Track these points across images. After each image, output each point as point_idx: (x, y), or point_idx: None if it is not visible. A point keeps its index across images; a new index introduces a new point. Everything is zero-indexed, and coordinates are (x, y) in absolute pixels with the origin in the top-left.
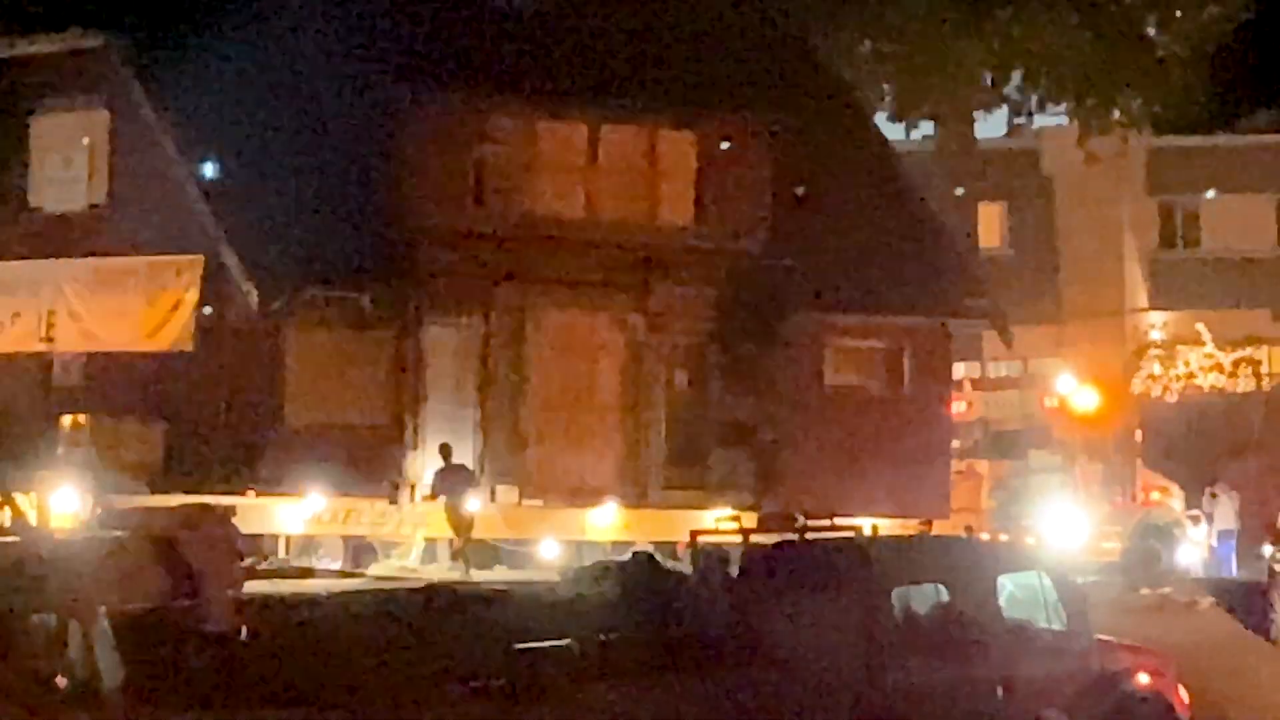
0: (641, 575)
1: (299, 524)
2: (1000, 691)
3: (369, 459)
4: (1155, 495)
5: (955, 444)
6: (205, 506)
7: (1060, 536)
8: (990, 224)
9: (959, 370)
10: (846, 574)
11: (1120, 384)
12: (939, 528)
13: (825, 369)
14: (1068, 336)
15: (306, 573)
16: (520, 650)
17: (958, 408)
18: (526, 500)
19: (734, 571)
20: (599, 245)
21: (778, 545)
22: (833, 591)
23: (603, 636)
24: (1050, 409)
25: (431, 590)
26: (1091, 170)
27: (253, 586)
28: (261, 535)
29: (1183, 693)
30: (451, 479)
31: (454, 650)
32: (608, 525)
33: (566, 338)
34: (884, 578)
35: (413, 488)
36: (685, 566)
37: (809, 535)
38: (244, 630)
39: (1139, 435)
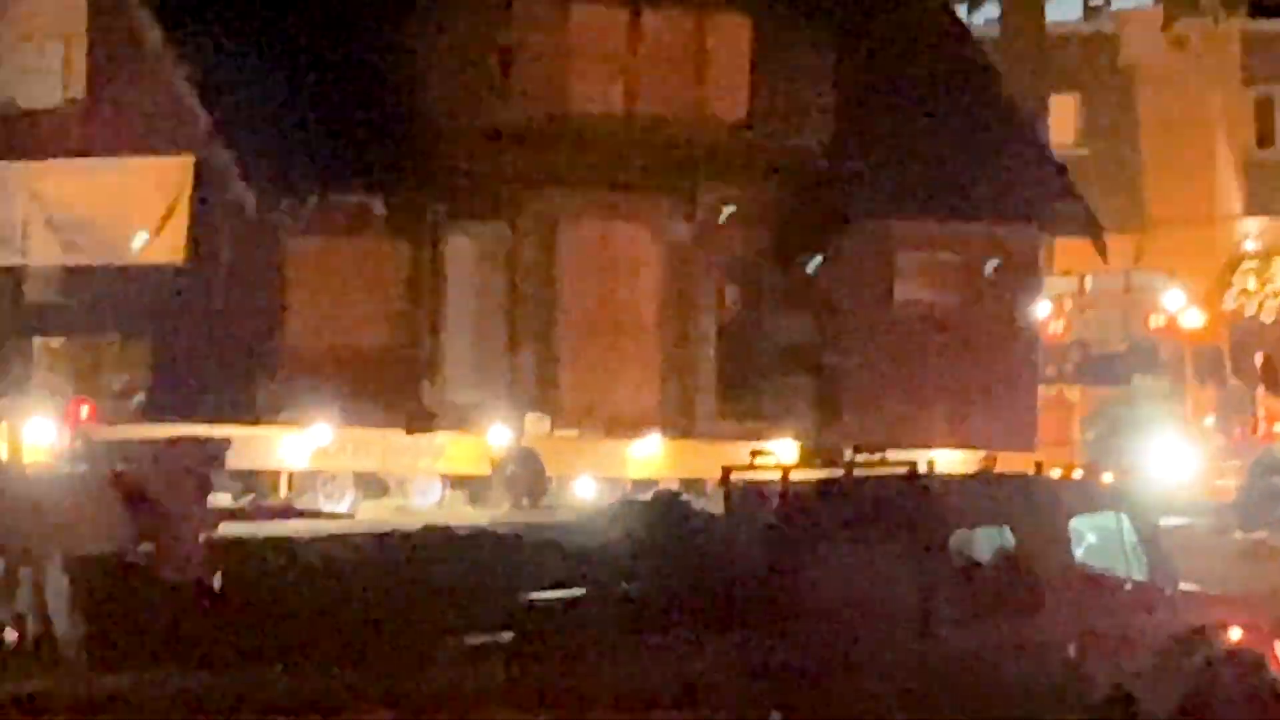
0: (664, 517)
1: (303, 458)
2: (1072, 650)
3: (382, 385)
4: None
5: (1048, 369)
6: (196, 439)
7: (1167, 473)
8: (1063, 119)
9: (1052, 285)
10: (898, 516)
11: (1211, 301)
12: (1021, 463)
13: (895, 283)
14: (1150, 247)
15: (283, 512)
16: (526, 602)
17: (1052, 328)
18: (559, 431)
19: (770, 513)
20: (640, 145)
21: (820, 483)
22: (881, 536)
23: (620, 587)
24: (1156, 329)
25: (426, 534)
26: (1178, 58)
27: (229, 529)
28: (259, 471)
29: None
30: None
31: (451, 601)
32: (650, 460)
33: (603, 249)
34: (940, 520)
35: (430, 418)
36: (716, 507)
37: (856, 472)
38: (216, 578)
39: (1260, 358)
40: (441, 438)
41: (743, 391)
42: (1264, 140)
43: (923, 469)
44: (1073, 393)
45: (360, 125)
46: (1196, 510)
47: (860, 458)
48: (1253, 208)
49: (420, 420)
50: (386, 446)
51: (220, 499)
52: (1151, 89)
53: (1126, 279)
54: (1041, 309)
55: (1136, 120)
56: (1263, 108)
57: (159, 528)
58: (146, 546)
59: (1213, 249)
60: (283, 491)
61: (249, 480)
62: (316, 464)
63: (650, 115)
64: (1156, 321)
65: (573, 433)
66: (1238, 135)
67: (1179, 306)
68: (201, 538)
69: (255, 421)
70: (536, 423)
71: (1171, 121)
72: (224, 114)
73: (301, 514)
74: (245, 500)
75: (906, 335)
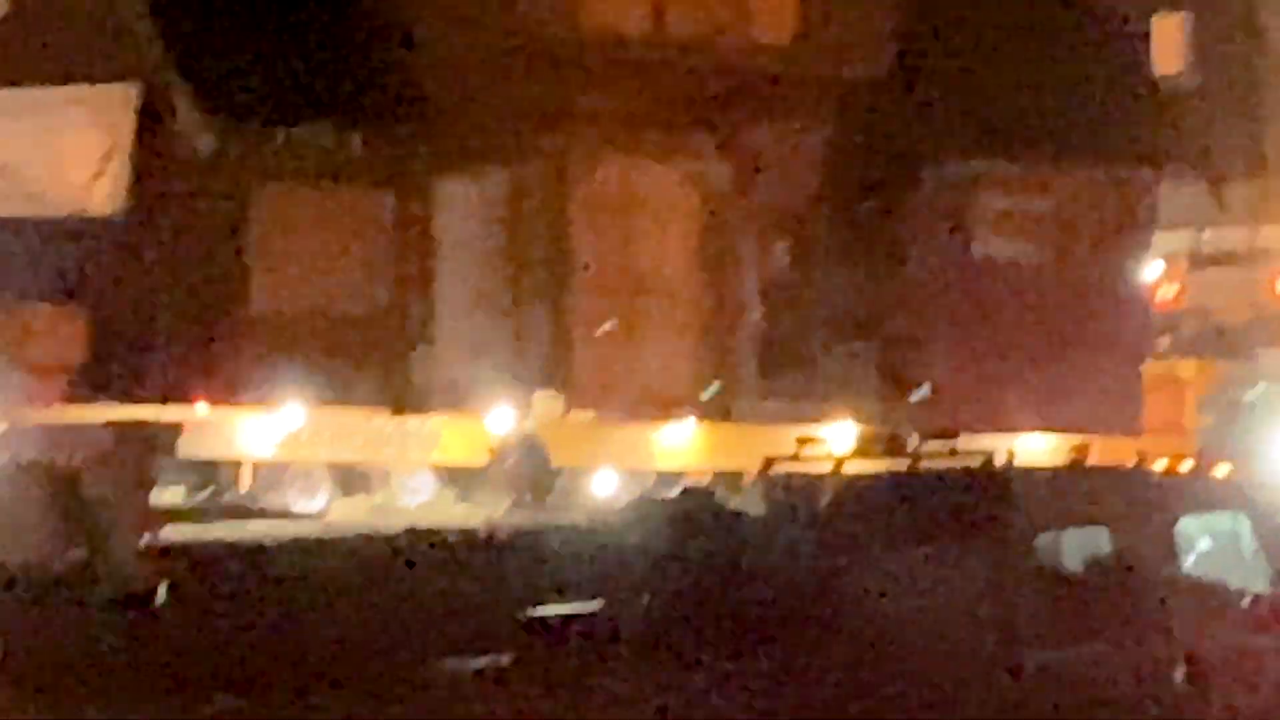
0: (693, 518)
1: (270, 446)
2: (1179, 675)
3: (363, 358)
4: None
5: (1158, 340)
6: (139, 423)
7: None
8: (1167, 43)
9: (1163, 241)
10: (973, 517)
11: None
12: (1122, 452)
13: (973, 237)
14: (1273, 193)
15: (239, 512)
16: (534, 618)
17: (1164, 292)
18: (573, 413)
19: (820, 514)
20: (669, 71)
21: (880, 478)
22: (954, 540)
23: (640, 600)
24: None
25: (410, 538)
26: None
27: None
28: (217, 462)
29: None
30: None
31: (440, 619)
32: (682, 448)
33: (625, 196)
34: (1023, 522)
35: (422, 396)
36: (755, 506)
37: (923, 464)
38: (160, 592)
39: None
40: (434, 422)
41: (792, 366)
42: None
43: (1001, 460)
44: (1186, 368)
45: (336, 48)
46: None
47: (927, 446)
48: None
49: (409, 401)
50: (369, 432)
51: (168, 495)
52: (1273, 8)
53: (1251, 235)
54: (1151, 270)
55: (1259, 46)
56: None
57: (91, 531)
58: (75, 554)
59: None
60: (244, 485)
61: (205, 472)
62: (286, 453)
63: (682, 36)
64: None
65: (589, 415)
66: None
67: None
68: (142, 543)
69: (212, 402)
70: (547, 403)
71: None
72: (174, 32)
73: (262, 514)
74: (200, 496)
75: (987, 298)
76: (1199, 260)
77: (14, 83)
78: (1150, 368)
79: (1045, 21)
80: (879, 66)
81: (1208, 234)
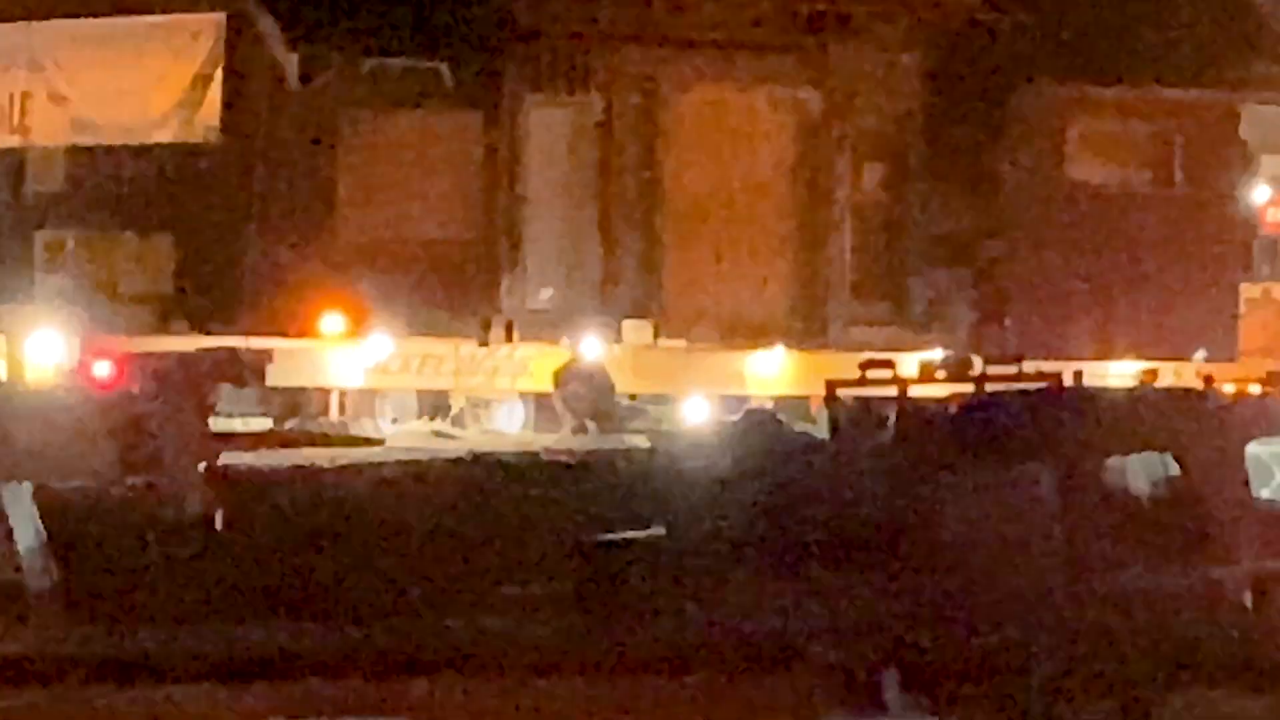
0: (758, 442)
1: (358, 374)
2: (1248, 598)
3: (451, 287)
4: None
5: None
6: (227, 350)
7: None
8: None
9: (1272, 165)
10: (1039, 440)
11: None
12: (1223, 375)
13: (1068, 161)
14: None
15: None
16: (594, 543)
17: (1272, 215)
18: (664, 340)
19: (885, 437)
20: None
21: (945, 401)
22: (1019, 464)
23: (704, 525)
24: None
25: (473, 462)
26: None
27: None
28: (307, 389)
29: None
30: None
31: (503, 544)
32: (774, 374)
33: (715, 121)
34: (1090, 445)
35: (509, 326)
36: (820, 429)
37: (989, 387)
38: (218, 516)
39: None
40: (524, 350)
41: (885, 292)
42: None
43: (1068, 383)
44: None
45: None
46: None
47: (993, 370)
48: None
49: (497, 330)
50: (458, 361)
51: (255, 423)
52: None
53: None
54: (1259, 194)
55: None
56: None
57: (153, 458)
58: (136, 479)
59: None
60: (334, 413)
61: (295, 400)
62: (374, 382)
63: None
64: None
65: (680, 343)
66: None
67: None
68: (201, 468)
69: (301, 333)
70: (637, 331)
71: None
72: None
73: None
74: (291, 424)
75: (1081, 222)
76: None
77: (104, 12)
78: (1247, 291)
79: None
80: None
81: None
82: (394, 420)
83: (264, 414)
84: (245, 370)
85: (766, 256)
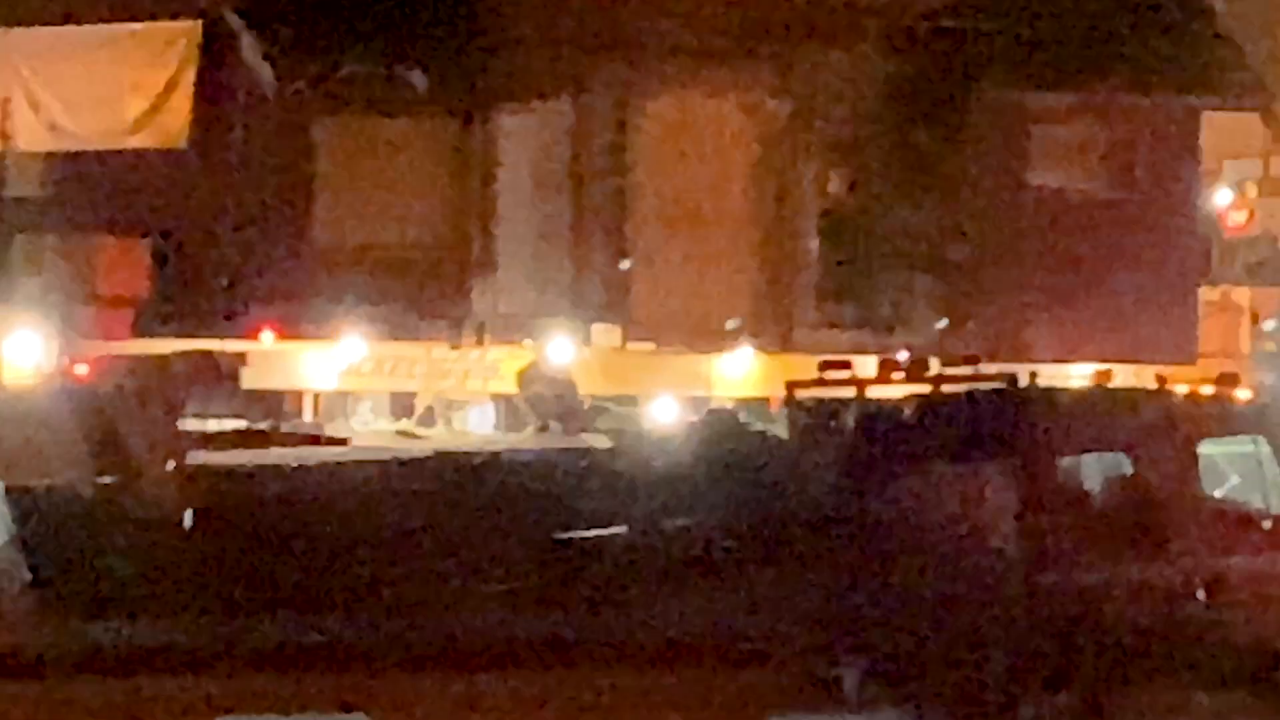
0: (719, 441)
1: (332, 377)
2: (1200, 595)
3: (424, 291)
4: None
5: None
6: (203, 353)
7: None
8: None
9: (1234, 169)
10: (995, 439)
11: None
12: (1182, 377)
13: (1030, 166)
14: None
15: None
16: (558, 541)
17: (1233, 219)
18: (633, 344)
19: (843, 435)
20: (727, 4)
21: (902, 401)
22: (974, 462)
23: (666, 523)
24: None
25: (437, 460)
26: None
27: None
28: (280, 392)
29: None
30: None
31: (466, 541)
32: (741, 376)
33: (683, 127)
34: (1044, 443)
35: (480, 329)
36: (781, 429)
37: (944, 387)
38: (187, 513)
39: None
40: (495, 353)
41: (850, 296)
42: None
43: (1023, 383)
44: (1241, 295)
45: None
46: None
47: (950, 371)
48: None
49: (469, 332)
50: (430, 364)
51: (232, 424)
52: None
53: None
54: (1221, 197)
55: None
56: None
57: (123, 457)
58: (106, 478)
59: None
60: (307, 415)
61: (268, 402)
62: (347, 384)
63: None
64: None
65: (648, 345)
66: None
67: None
68: (170, 466)
69: (275, 334)
70: (606, 334)
71: None
72: None
73: (294, 438)
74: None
75: (1042, 227)
76: (1268, 187)
77: (82, 20)
78: (1206, 294)
79: None
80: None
81: (1276, 162)
82: (365, 422)
83: (238, 416)
84: (221, 372)
85: (734, 260)
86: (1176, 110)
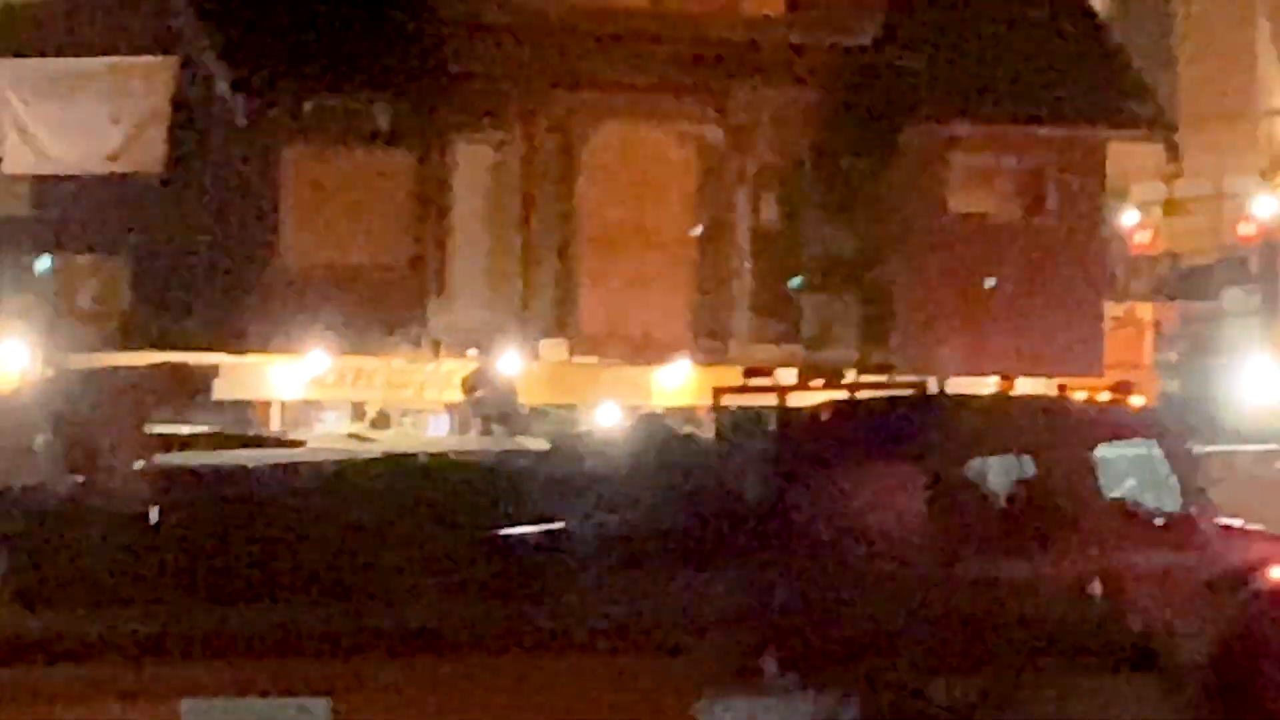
0: (649, 443)
1: (297, 387)
2: (1096, 588)
3: (384, 308)
4: None
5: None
6: (177, 365)
7: (1255, 396)
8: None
9: (1140, 192)
10: (904, 442)
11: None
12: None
13: (949, 192)
14: (1186, 144)
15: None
16: (498, 536)
17: (1139, 238)
18: (578, 357)
19: (765, 438)
20: (668, 41)
21: (820, 407)
22: (886, 464)
23: (600, 519)
24: (1245, 237)
25: (386, 461)
26: None
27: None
28: (250, 402)
29: None
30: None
31: (413, 536)
32: (678, 387)
33: (627, 156)
34: (951, 446)
35: (436, 344)
36: (707, 432)
37: (860, 394)
38: (153, 510)
39: None
40: (449, 366)
41: (781, 312)
42: None
43: (933, 390)
44: (1144, 310)
45: (359, 21)
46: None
47: (865, 378)
48: None
49: (426, 347)
50: (389, 375)
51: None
52: None
53: (1217, 184)
54: (1128, 217)
55: (1171, 9)
56: None
57: (93, 457)
58: (78, 477)
59: (1252, 148)
60: (275, 423)
61: (239, 411)
62: (313, 394)
63: (679, 8)
64: (1246, 230)
65: (592, 359)
66: None
67: (1271, 213)
68: (136, 467)
69: (245, 349)
70: (554, 349)
71: (1210, 9)
72: (211, 10)
73: (257, 441)
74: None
75: (960, 249)
76: (1171, 209)
77: (68, 53)
78: (1112, 310)
79: (1015, 2)
80: (862, 36)
81: (1178, 184)
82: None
83: (210, 423)
84: (194, 382)
85: (673, 280)
86: (1084, 140)
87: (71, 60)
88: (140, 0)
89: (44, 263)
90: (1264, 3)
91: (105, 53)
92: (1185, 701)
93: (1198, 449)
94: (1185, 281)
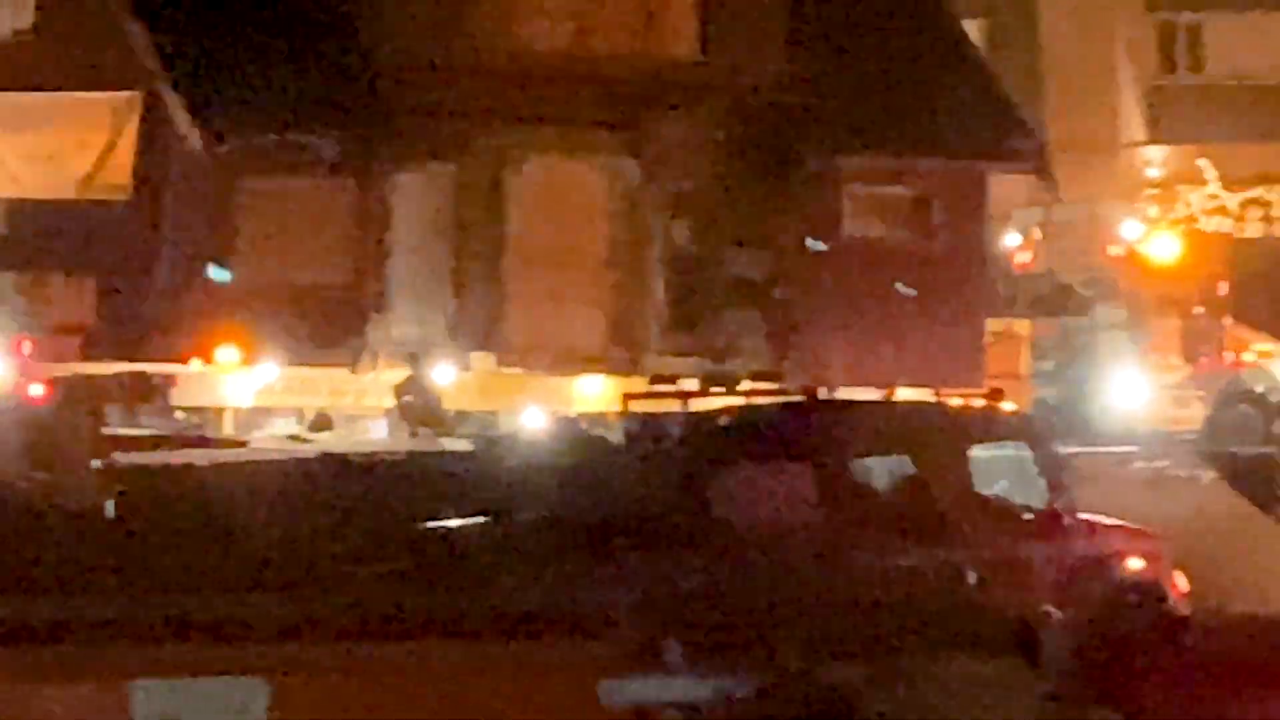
0: (562, 444)
1: (248, 395)
2: (971, 577)
3: (327, 323)
4: (1250, 355)
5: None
6: (139, 374)
7: (1123, 402)
8: None
9: (1023, 216)
10: (798, 443)
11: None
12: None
13: (845, 218)
14: (1099, 176)
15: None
16: (424, 530)
17: (1020, 258)
18: (505, 368)
19: (669, 440)
20: (588, 81)
21: (719, 411)
22: (781, 461)
23: (517, 514)
24: (1114, 257)
25: (321, 461)
26: None
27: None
28: (204, 408)
29: (1179, 578)
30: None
31: (348, 529)
32: (598, 395)
33: (550, 186)
34: (838, 447)
35: (375, 355)
36: (617, 435)
37: (755, 400)
38: (109, 504)
39: (1224, 287)
40: (386, 375)
41: (692, 327)
42: (1166, 67)
43: (823, 396)
44: (1022, 326)
45: (308, 63)
46: (1149, 441)
47: (759, 386)
48: (1155, 135)
49: (365, 358)
50: (332, 384)
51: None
52: (1057, 15)
53: (1089, 209)
54: (1010, 239)
55: (1040, 47)
56: (1165, 34)
57: (54, 456)
58: (38, 474)
59: (1114, 177)
60: (228, 428)
61: (194, 417)
62: (262, 401)
63: (600, 52)
64: (1115, 251)
65: (518, 370)
66: (1141, 62)
67: (1137, 235)
68: (95, 465)
69: (202, 359)
70: (483, 361)
71: (1076, 48)
72: (172, 51)
73: (203, 443)
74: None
75: (854, 270)
76: (1050, 231)
77: (39, 88)
78: (992, 325)
79: (908, 35)
80: (766, 78)
81: (1055, 209)
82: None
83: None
84: (153, 391)
85: (593, 297)
86: (968, 171)
87: (45, 95)
88: (108, 43)
89: (17, 281)
90: (1125, 41)
91: (75, 88)
92: (1051, 680)
93: (1065, 450)
94: (1061, 298)
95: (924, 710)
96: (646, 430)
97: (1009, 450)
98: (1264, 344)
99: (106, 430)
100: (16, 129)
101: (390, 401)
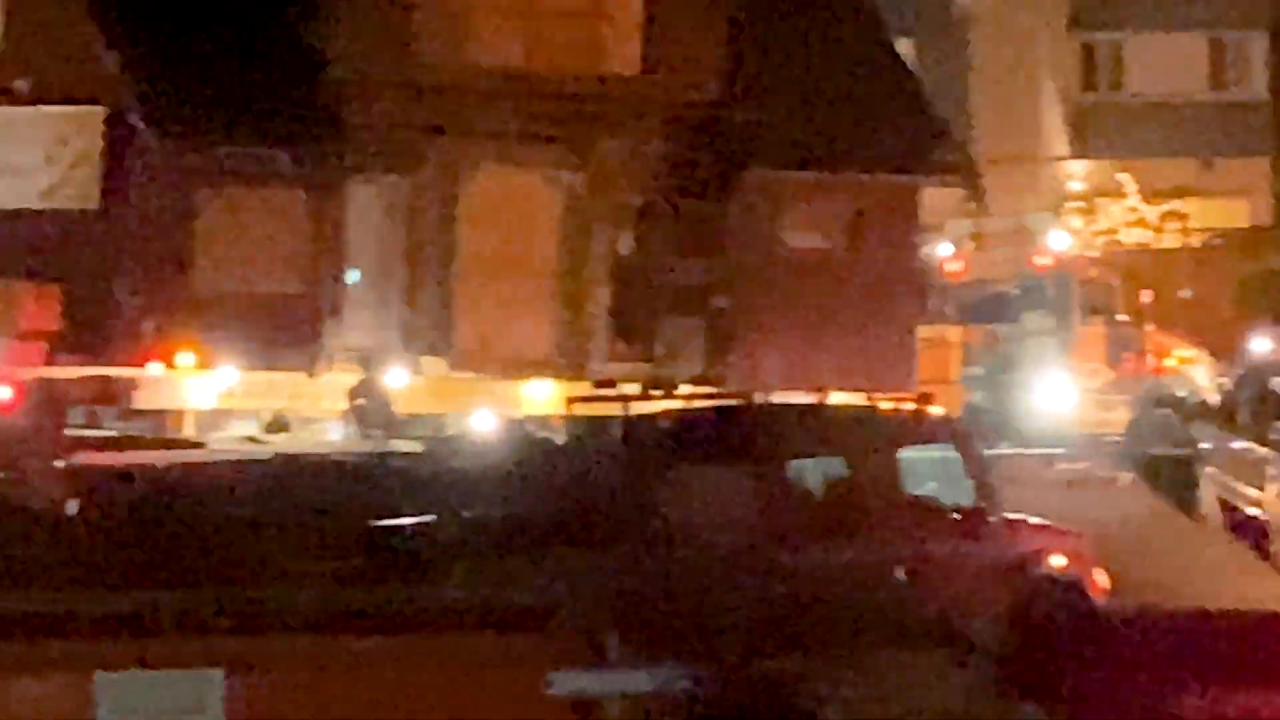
0: (508, 445)
1: (210, 398)
2: (900, 574)
3: (285, 329)
4: (1172, 361)
5: (948, 308)
6: (105, 379)
7: (1050, 405)
8: None
9: (955, 227)
10: (734, 445)
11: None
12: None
13: (783, 230)
14: (1026, 188)
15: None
16: (375, 527)
17: (951, 267)
18: (455, 372)
19: (611, 441)
20: (536, 96)
21: (659, 413)
22: (721, 464)
23: (466, 512)
24: (1041, 267)
25: (276, 462)
26: (1009, 4)
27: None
28: (166, 411)
29: (1099, 576)
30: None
31: (302, 527)
32: (545, 399)
33: (500, 197)
34: (772, 448)
35: (330, 358)
36: (561, 436)
37: (694, 403)
38: (71, 503)
39: (1147, 295)
40: (341, 379)
41: (636, 334)
42: (1088, 85)
43: (758, 400)
44: (952, 333)
45: (266, 77)
46: (1074, 443)
47: (698, 390)
48: (1077, 150)
49: (321, 362)
50: (290, 387)
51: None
52: (984, 34)
53: (1018, 220)
54: (943, 249)
55: (968, 66)
56: (1087, 53)
57: (17, 455)
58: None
59: (1038, 191)
60: (189, 430)
61: (156, 419)
62: (223, 404)
63: (548, 69)
64: (1042, 260)
65: (468, 374)
66: (1063, 80)
67: (1063, 245)
68: (57, 465)
69: (163, 365)
70: (434, 365)
71: (1002, 67)
72: (135, 67)
73: (164, 443)
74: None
75: (792, 279)
76: (981, 241)
77: (3, 102)
78: (923, 333)
79: (845, 53)
80: (708, 94)
81: (986, 220)
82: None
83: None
84: (116, 393)
85: (540, 305)
86: (900, 184)
87: (12, 109)
88: (72, 58)
89: None
90: (1048, 59)
91: (42, 103)
92: (976, 673)
93: (992, 452)
94: (991, 306)
95: (854, 701)
96: (589, 431)
97: (938, 452)
98: (1184, 350)
99: (69, 431)
100: None
101: (344, 404)
